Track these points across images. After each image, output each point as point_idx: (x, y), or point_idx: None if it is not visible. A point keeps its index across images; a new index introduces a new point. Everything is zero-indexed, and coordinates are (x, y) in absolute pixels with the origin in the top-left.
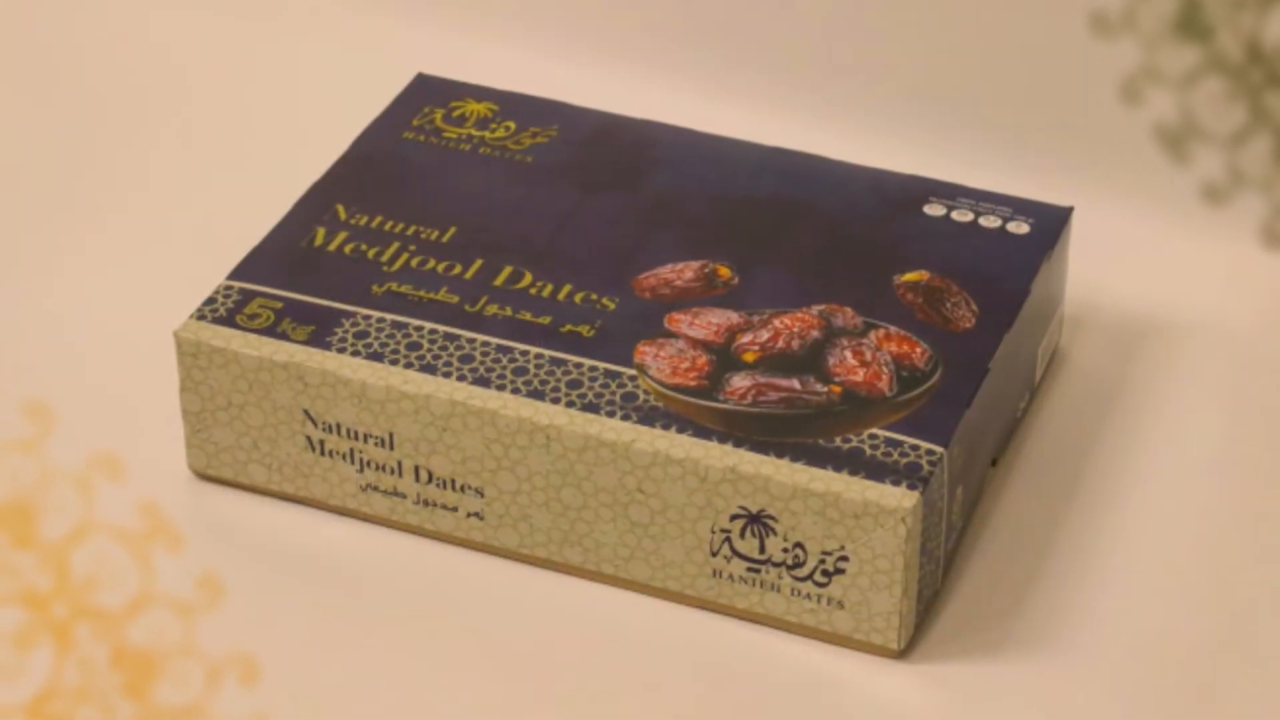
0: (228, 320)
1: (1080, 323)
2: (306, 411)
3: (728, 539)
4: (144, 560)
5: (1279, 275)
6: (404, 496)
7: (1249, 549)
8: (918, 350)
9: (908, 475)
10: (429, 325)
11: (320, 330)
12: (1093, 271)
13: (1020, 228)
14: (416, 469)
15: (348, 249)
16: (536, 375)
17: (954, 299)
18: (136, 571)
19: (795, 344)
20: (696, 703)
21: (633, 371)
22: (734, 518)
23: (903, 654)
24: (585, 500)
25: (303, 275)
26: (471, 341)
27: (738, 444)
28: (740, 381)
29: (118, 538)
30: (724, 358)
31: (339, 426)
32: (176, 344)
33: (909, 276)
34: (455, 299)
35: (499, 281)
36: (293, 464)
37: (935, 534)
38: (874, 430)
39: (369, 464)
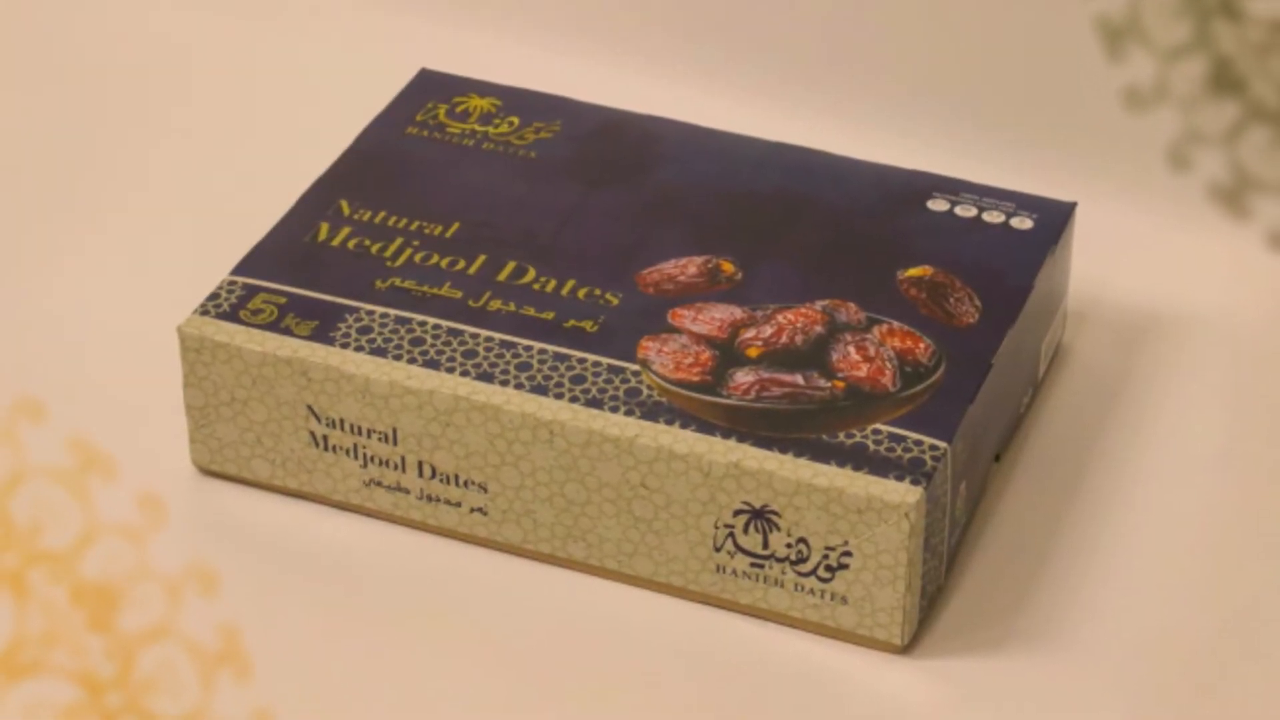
0: (231, 316)
1: (1083, 318)
2: (310, 407)
3: (731, 534)
4: (208, 679)
5: None
6: (407, 492)
7: (1252, 544)
8: (921, 345)
9: (911, 471)
10: (432, 320)
11: (324, 325)
12: (1096, 267)
13: (1024, 223)
14: (420, 464)
15: (351, 244)
16: (540, 370)
17: (957, 294)
18: (198, 687)
19: (799, 339)
20: (699, 698)
21: (636, 367)
22: (737, 513)
23: (906, 649)
24: (589, 496)
25: (306, 271)
26: (475, 337)
27: (741, 439)
28: (744, 377)
29: (188, 649)
30: (727, 353)
31: (342, 422)
32: (180, 339)
33: (912, 272)
34: (459, 294)
35: (502, 277)
36: (296, 459)
37: (938, 529)
38: (877, 425)
39: (372, 459)
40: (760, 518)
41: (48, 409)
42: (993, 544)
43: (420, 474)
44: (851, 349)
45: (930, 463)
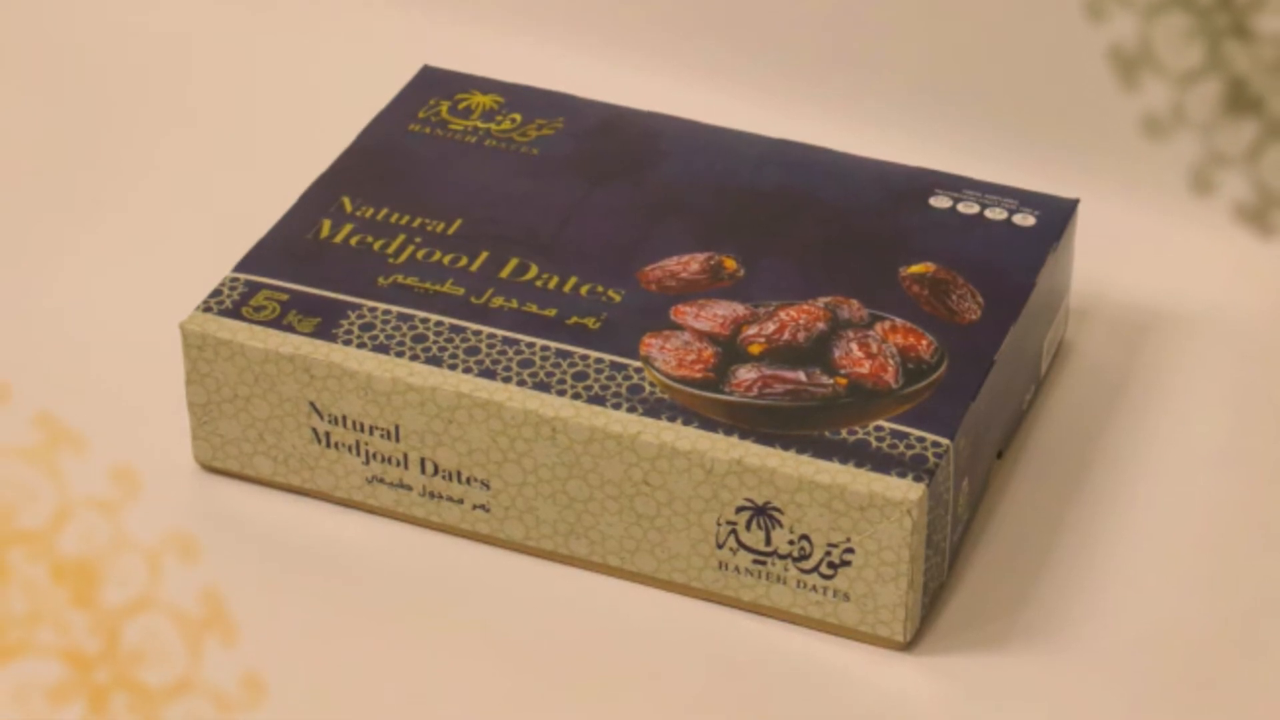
0: (234, 312)
1: (1086, 315)
2: (312, 404)
3: (733, 531)
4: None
5: None
6: (410, 489)
7: (1255, 541)
8: (923, 342)
9: (913, 467)
10: (435, 317)
11: (326, 322)
12: (1098, 263)
13: (1026, 220)
14: (422, 461)
15: (353, 241)
16: (542, 367)
17: (960, 291)
18: None
19: (801, 336)
20: (701, 695)
21: (638, 364)
22: (740, 510)
23: (908, 646)
24: (591, 492)
25: (308, 267)
26: (477, 334)
27: (743, 436)
28: (746, 374)
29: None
30: (730, 350)
31: (345, 419)
32: (182, 336)
33: (914, 269)
34: (461, 291)
35: (505, 274)
36: (299, 456)
37: (941, 526)
38: (880, 422)
39: (375, 456)
40: (762, 515)
41: (49, 407)
42: (995, 541)
43: (422, 471)
44: (854, 346)
45: (933, 459)
